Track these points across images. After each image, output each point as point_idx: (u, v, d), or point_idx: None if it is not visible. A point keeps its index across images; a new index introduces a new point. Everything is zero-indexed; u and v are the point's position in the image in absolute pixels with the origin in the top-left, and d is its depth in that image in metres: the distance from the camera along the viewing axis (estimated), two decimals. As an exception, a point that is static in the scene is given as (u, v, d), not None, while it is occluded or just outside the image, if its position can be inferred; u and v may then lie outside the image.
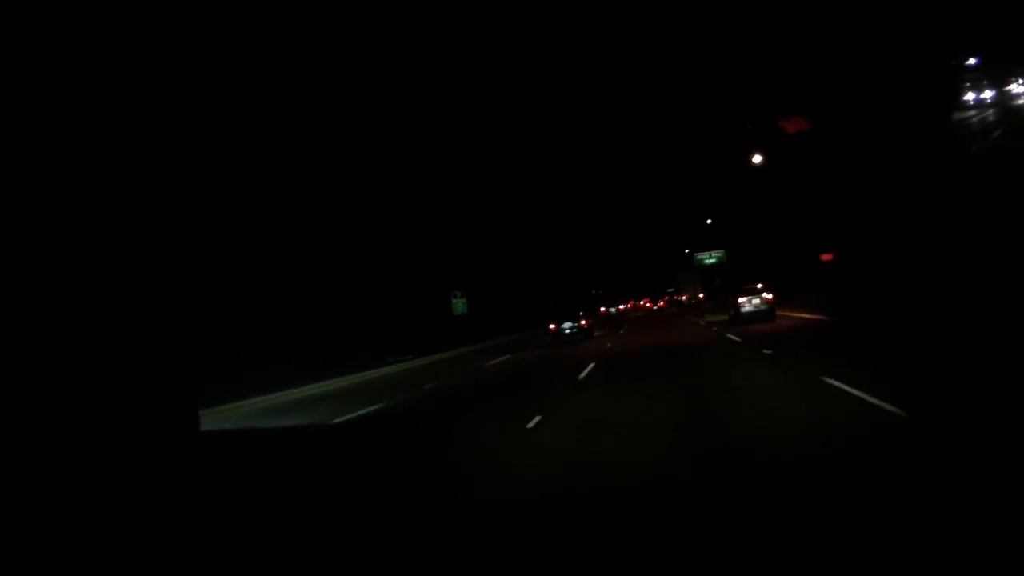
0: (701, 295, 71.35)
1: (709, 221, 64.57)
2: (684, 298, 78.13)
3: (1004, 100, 22.35)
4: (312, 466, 8.81)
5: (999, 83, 22.22)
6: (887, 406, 6.82)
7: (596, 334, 33.34)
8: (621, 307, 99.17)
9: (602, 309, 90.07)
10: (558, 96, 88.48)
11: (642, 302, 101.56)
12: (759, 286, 26.24)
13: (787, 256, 40.64)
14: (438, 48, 53.33)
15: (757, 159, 33.59)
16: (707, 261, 64.51)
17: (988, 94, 22.58)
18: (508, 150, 59.99)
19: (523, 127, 75.86)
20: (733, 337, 19.94)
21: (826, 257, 30.81)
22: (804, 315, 24.88)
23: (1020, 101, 22.01)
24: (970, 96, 22.74)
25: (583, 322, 31.73)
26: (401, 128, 40.91)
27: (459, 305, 41.13)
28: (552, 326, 31.26)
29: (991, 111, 23.12)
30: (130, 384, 10.62)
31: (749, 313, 25.16)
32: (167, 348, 12.34)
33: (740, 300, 25.73)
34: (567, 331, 30.66)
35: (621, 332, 33.97)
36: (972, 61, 22.43)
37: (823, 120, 29.06)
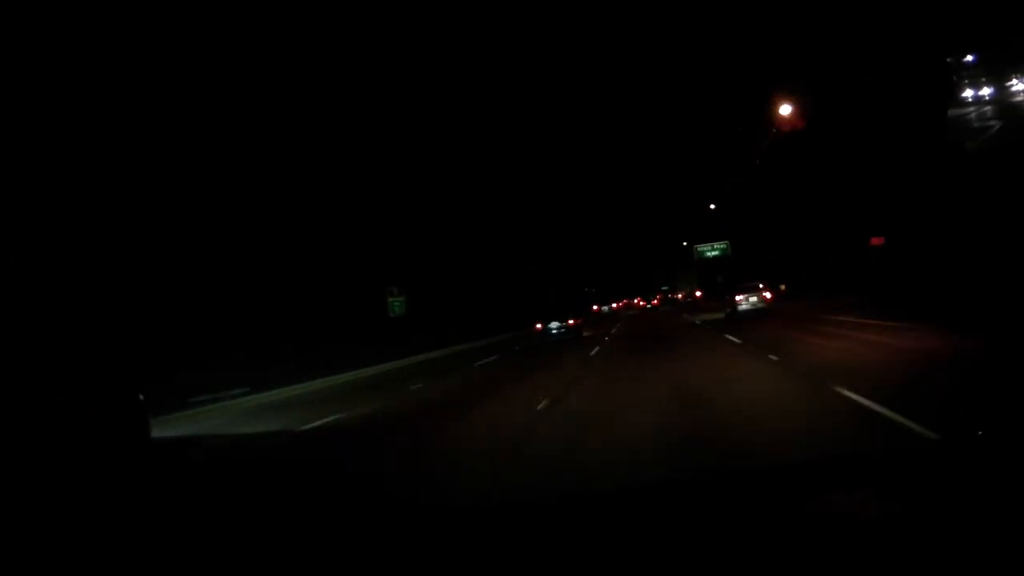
0: (698, 293, 70.88)
1: (713, 206, 58.69)
2: (680, 296, 77.45)
3: (1003, 97, 22.87)
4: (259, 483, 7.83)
5: (998, 80, 22.73)
6: None
7: (586, 334, 31.14)
8: (615, 305, 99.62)
9: (595, 308, 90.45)
10: (554, 91, 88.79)
11: (636, 300, 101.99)
12: (760, 285, 26.67)
13: (787, 255, 40.90)
14: (433, 45, 53.45)
15: (786, 111, 28.49)
16: (708, 254, 57.84)
17: (986, 91, 23.10)
18: (503, 147, 60.18)
19: (518, 123, 76.04)
20: (851, 396, 7.18)
21: (876, 241, 26.52)
22: (868, 320, 16.71)
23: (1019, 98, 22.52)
24: (968, 92, 23.26)
25: (571, 321, 29.93)
26: (398, 125, 40.94)
27: (395, 305, 34.78)
28: (538, 326, 29.63)
29: (989, 107, 23.65)
30: (70, 388, 10.37)
31: (746, 311, 25.40)
32: (112, 352, 12.21)
33: (738, 298, 26.11)
34: (554, 331, 28.93)
35: (594, 352, 20.28)
36: (970, 58, 22.94)
37: (829, 111, 29.13)
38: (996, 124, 23.52)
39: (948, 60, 23.75)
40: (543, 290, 60.21)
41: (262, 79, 29.91)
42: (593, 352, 20.32)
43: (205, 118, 26.48)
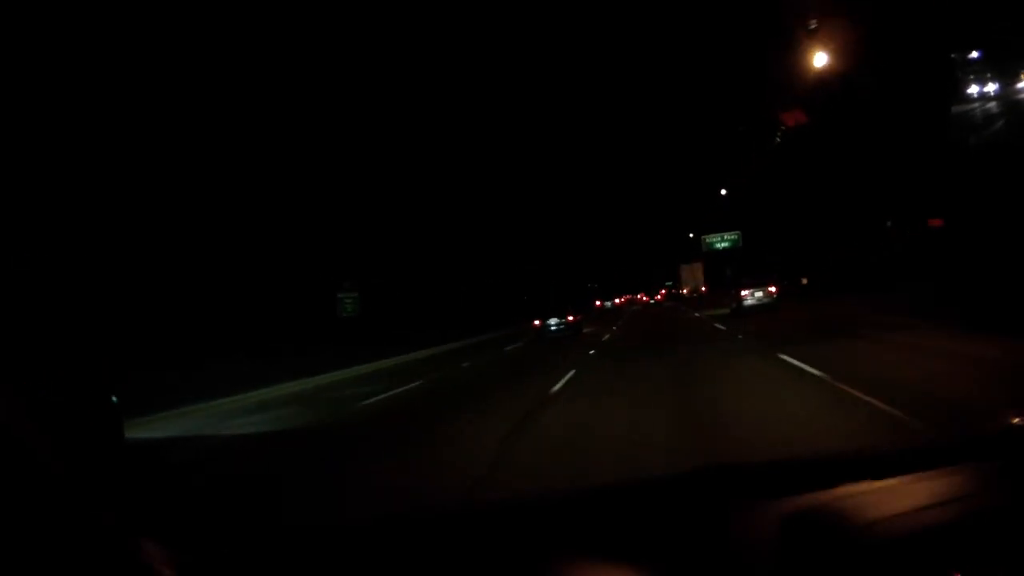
0: (703, 288, 70.46)
1: (724, 191, 52.94)
2: (685, 291, 76.71)
3: (1008, 94, 22.84)
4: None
5: (1003, 77, 22.68)
6: None
7: (586, 330, 30.27)
8: (617, 301, 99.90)
9: (597, 303, 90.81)
10: (553, 86, 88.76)
11: (639, 296, 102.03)
12: (767, 281, 27.02)
13: (787, 255, 40.72)
14: (430, 41, 53.38)
15: (821, 61, 23.60)
16: (718, 245, 53.81)
17: (991, 87, 23.08)
18: (502, 146, 60.15)
19: (517, 120, 76.00)
20: None
21: (935, 223, 23.95)
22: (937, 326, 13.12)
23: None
24: (974, 89, 23.24)
25: (570, 318, 29.58)
26: (393, 125, 40.94)
27: (347, 304, 30.55)
28: (536, 323, 29.37)
29: (994, 104, 23.63)
30: (66, 388, 10.40)
31: (751, 306, 25.82)
32: (82, 353, 12.21)
33: (743, 292, 26.55)
34: (553, 328, 28.66)
35: (560, 387, 11.42)
36: (975, 55, 22.90)
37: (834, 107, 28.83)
38: (1000, 120, 23.53)
39: (952, 56, 23.69)
40: (544, 287, 60.30)
41: (248, 76, 29.52)
42: (558, 387, 11.43)
43: (183, 114, 26.07)
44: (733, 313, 27.23)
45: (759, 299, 26.00)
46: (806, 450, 4.82)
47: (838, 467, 1.99)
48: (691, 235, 66.23)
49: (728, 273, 51.69)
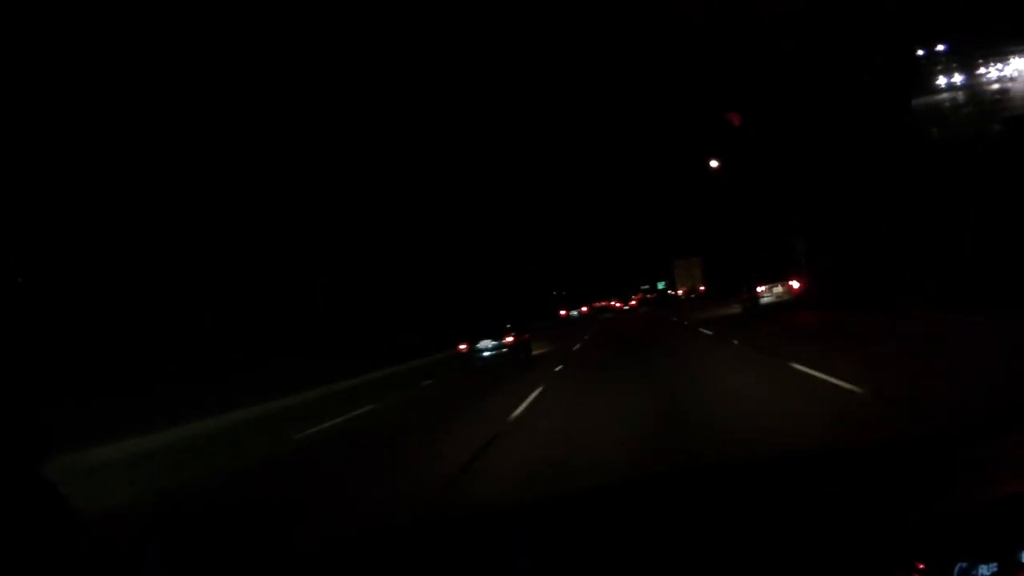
0: (701, 288, 62.82)
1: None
2: (680, 292, 67.05)
3: (973, 83, 24.02)
4: None
5: (968, 68, 23.83)
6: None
7: (537, 352, 24.98)
8: (583, 309, 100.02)
9: (562, 312, 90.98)
10: (526, 73, 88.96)
11: (612, 303, 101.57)
12: (789, 279, 25.27)
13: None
14: (426, 44, 53.29)
15: None
16: None
17: (958, 78, 24.26)
18: (461, 141, 60.06)
19: (482, 113, 75.65)
20: None
21: None
22: None
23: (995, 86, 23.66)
24: (941, 80, 24.39)
25: (510, 339, 22.71)
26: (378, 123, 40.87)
27: None
28: (462, 347, 23.52)
29: (960, 93, 24.84)
30: None
31: (768, 303, 24.31)
32: None
33: (759, 289, 24.85)
34: (486, 353, 22.34)
35: None
36: (941, 47, 24.03)
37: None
38: (966, 109, 24.75)
39: (918, 51, 24.81)
40: (508, 297, 59.82)
41: (252, 77, 29.12)
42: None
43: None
44: (746, 312, 25.66)
45: (778, 295, 24.25)
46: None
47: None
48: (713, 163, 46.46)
49: (796, 247, 33.79)
